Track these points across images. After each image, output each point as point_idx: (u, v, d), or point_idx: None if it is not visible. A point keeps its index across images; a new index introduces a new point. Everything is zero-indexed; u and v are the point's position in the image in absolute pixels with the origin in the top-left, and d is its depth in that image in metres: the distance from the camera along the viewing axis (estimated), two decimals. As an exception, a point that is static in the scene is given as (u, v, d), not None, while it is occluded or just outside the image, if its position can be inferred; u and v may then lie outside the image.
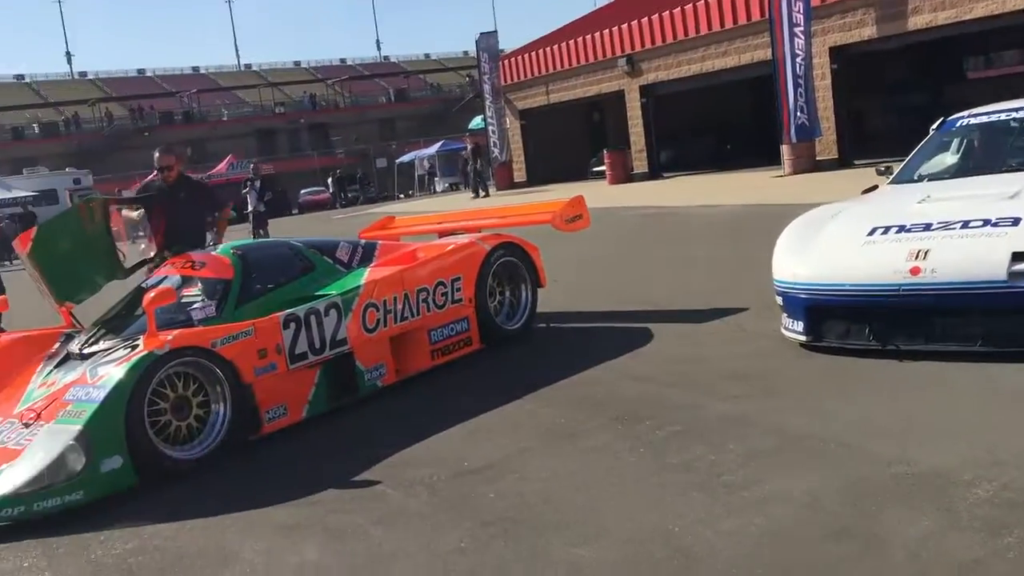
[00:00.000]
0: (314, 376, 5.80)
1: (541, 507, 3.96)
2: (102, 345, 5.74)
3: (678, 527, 3.56)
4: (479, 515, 3.96)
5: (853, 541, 3.28)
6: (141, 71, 75.45)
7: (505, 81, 29.88)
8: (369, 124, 68.18)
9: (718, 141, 28.48)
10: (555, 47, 27.61)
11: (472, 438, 5.04)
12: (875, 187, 6.96)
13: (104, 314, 6.35)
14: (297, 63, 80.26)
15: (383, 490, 4.44)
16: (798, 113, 18.82)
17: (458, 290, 6.76)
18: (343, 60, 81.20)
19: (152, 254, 6.79)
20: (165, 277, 6.31)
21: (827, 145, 19.55)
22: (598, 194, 18.75)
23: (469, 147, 30.06)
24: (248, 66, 79.15)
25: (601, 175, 27.68)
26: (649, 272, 9.89)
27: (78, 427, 4.78)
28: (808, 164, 19.07)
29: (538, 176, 29.53)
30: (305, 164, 58.31)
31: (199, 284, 6.15)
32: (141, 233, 6.96)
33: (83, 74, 73.53)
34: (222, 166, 47.05)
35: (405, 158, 49.71)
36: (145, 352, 5.02)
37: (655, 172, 25.06)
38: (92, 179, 45.28)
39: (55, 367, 5.80)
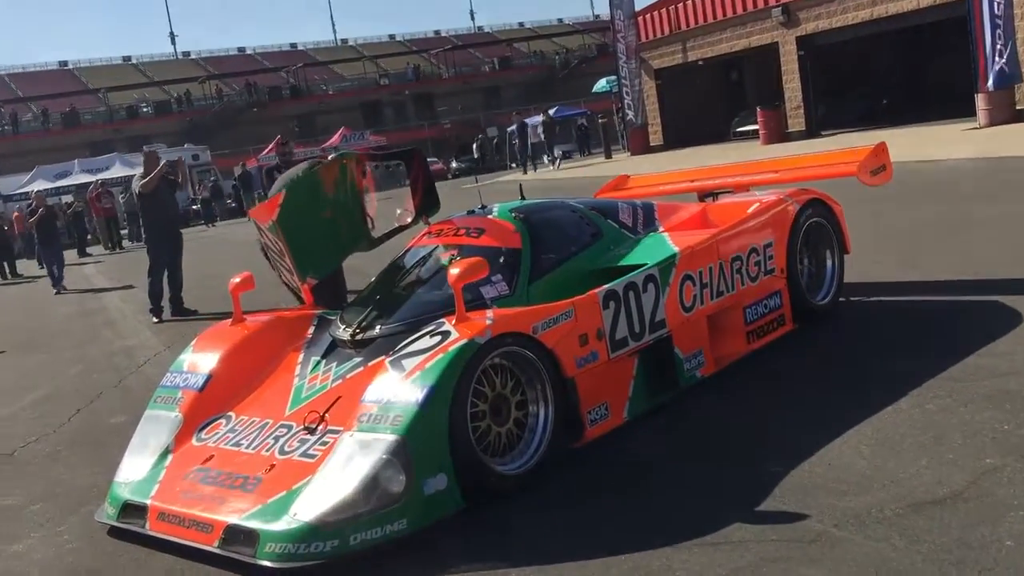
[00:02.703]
0: (632, 367, 4.69)
1: None
2: (380, 331, 4.73)
3: None
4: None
5: None
6: (241, 49, 75.77)
7: (640, 39, 28.33)
8: (474, 93, 67.29)
9: (872, 97, 26.44)
10: (697, 0, 25.94)
11: (887, 452, 3.85)
12: None
13: (362, 292, 5.35)
14: (392, 36, 79.52)
15: (822, 528, 3.28)
16: (996, 58, 16.93)
17: (770, 258, 5.55)
18: (437, 32, 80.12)
19: (409, 220, 5.75)
20: (435, 248, 5.27)
21: (1027, 93, 17.63)
22: (758, 155, 17.21)
23: (540, 119, 29.51)
24: (344, 41, 78.75)
25: (746, 135, 26.05)
26: (923, 235, 8.46)
27: (394, 437, 3.76)
28: (1007, 114, 17.18)
29: (675, 139, 27.98)
30: (411, 135, 57.67)
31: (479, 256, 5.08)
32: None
33: (186, 54, 74.22)
34: (335, 139, 46.71)
35: (532, 120, 48.37)
36: (465, 340, 3.96)
37: (813, 130, 23.27)
38: (210, 154, 45.43)
39: (322, 357, 4.82)
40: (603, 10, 42.31)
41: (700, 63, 26.87)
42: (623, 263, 5.13)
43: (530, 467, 4.13)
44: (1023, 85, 17.54)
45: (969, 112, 18.31)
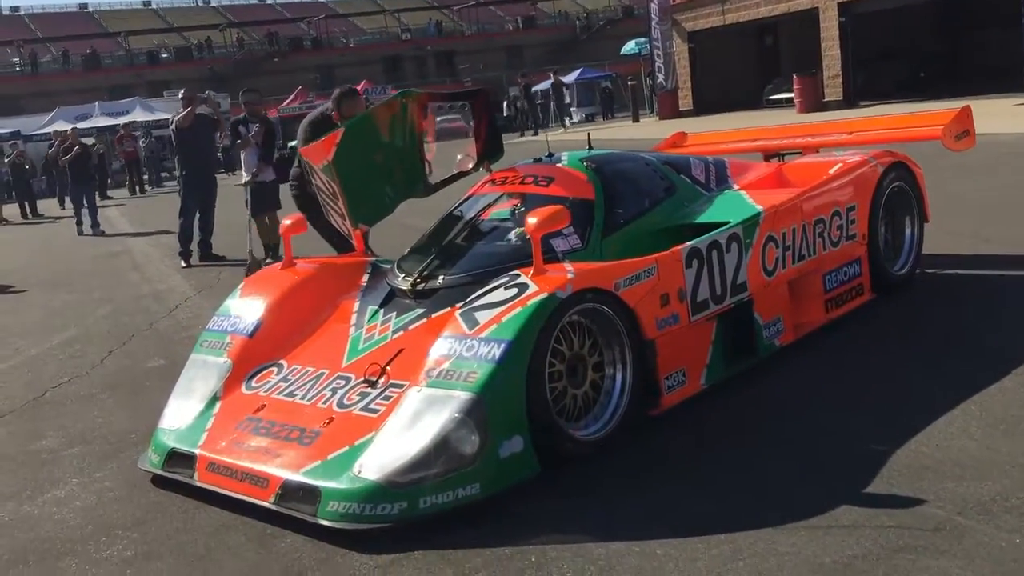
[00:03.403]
0: (711, 332, 4.39)
1: None
2: (443, 281, 4.44)
3: None
4: None
5: None
6: (263, -1, 74.93)
7: (674, 1, 27.70)
8: (496, 52, 66.42)
9: (909, 68, 25.76)
10: (736, -38, 25.26)
11: (1000, 434, 3.55)
12: None
13: (420, 240, 5.05)
14: (415, -10, 78.40)
15: (944, 516, 3.00)
16: (1050, 32, 16.34)
17: (852, 223, 5.23)
18: (460, -14, 78.83)
19: (470, 166, 5.42)
20: (499, 196, 4.95)
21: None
22: (795, 123, 16.70)
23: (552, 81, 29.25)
24: (367, -7, 77.87)
25: (779, 103, 25.43)
26: (992, 208, 8.09)
27: (468, 395, 3.49)
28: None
29: (705, 104, 27.41)
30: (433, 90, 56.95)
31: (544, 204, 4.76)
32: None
33: (207, 1, 73.39)
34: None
35: (540, 86, 47.69)
36: (545, 294, 3.67)
37: (851, 100, 22.70)
38: (231, 102, 45.02)
39: (379, 306, 4.54)
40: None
41: (734, 27, 26.23)
42: (699, 220, 4.82)
43: (607, 433, 3.87)
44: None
45: (1016, 88, 17.75)
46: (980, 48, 24.44)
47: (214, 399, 4.33)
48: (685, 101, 28.24)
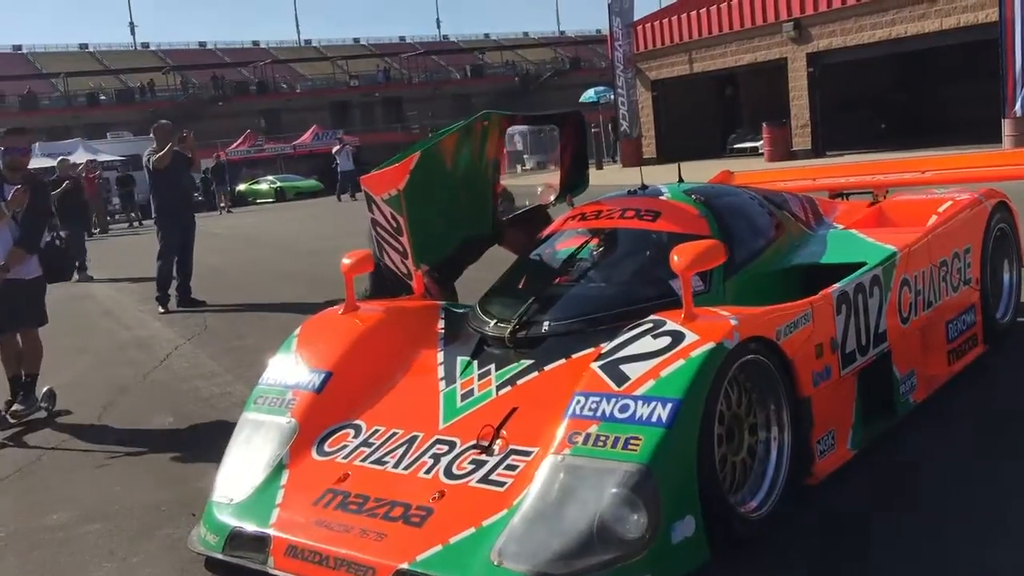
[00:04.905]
0: (854, 388, 3.85)
1: None
2: (550, 327, 3.83)
3: None
4: None
5: None
6: (203, 44, 73.99)
7: (638, 49, 27.67)
8: (444, 100, 66.37)
9: (871, 119, 26.04)
10: (701, 11, 25.29)
11: None
12: None
13: (504, 281, 4.44)
14: (356, 40, 78.23)
15: None
16: (1026, 83, 16.53)
17: (968, 266, 4.78)
18: (402, 38, 78.94)
19: (552, 198, 4.84)
20: (602, 231, 4.34)
21: (1053, 121, 17.26)
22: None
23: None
24: (308, 42, 77.43)
25: (743, 152, 25.49)
26: None
27: (633, 465, 2.88)
28: (1034, 140, 16.78)
29: (669, 152, 27.27)
30: (380, 138, 56.54)
31: (655, 241, 4.21)
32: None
33: (145, 45, 72.30)
34: (307, 136, 45.56)
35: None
36: (713, 343, 3.09)
37: (819, 150, 22.74)
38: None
39: (472, 358, 3.90)
40: (569, 26, 41.67)
41: (699, 76, 26.27)
42: (824, 261, 4.30)
43: (770, 508, 3.28)
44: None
45: (988, 138, 17.89)
46: (940, 101, 24.79)
47: (280, 467, 3.63)
48: (648, 148, 28.13)
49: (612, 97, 29.61)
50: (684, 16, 26.01)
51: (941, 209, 4.84)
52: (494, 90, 67.21)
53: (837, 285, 3.78)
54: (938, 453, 3.84)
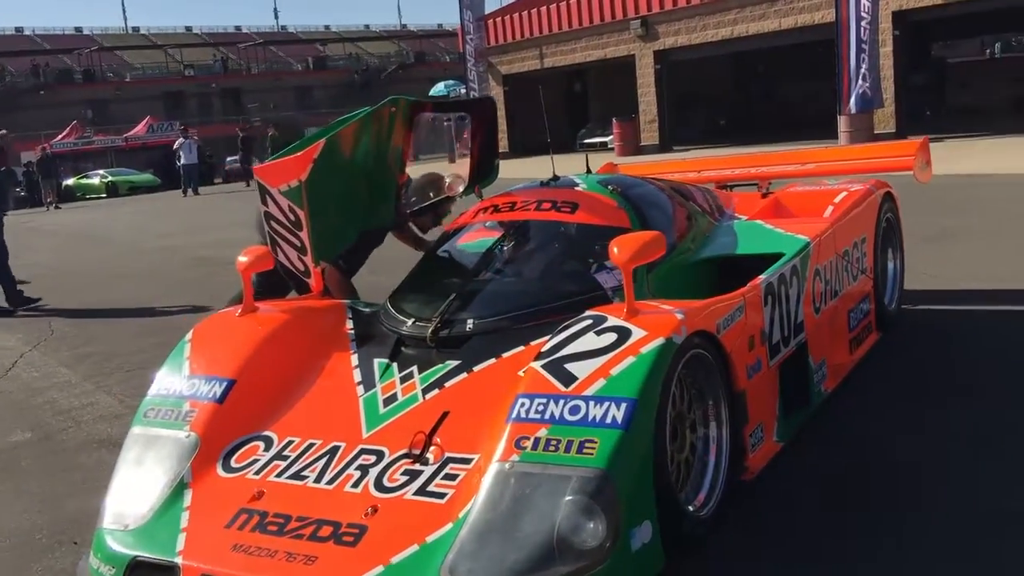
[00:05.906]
0: (776, 380, 3.83)
1: None
2: (474, 325, 3.61)
3: None
4: None
5: None
6: (19, 29, 69.32)
7: (489, 43, 27.65)
8: (285, 91, 64.70)
9: (708, 116, 27.00)
10: (552, 6, 25.52)
11: None
12: None
13: (414, 278, 4.19)
14: (189, 28, 75.20)
15: None
16: (860, 81, 17.42)
17: (864, 255, 4.88)
18: (238, 27, 76.31)
19: (460, 189, 4.60)
20: (519, 224, 4.15)
21: (884, 118, 18.28)
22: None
23: (240, 135, 26.67)
24: (136, 29, 73.87)
25: (592, 147, 25.88)
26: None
27: (590, 471, 2.72)
28: (866, 137, 17.71)
29: (520, 146, 27.45)
30: (221, 131, 54.47)
31: (576, 234, 4.06)
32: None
33: (-50, 29, 67.15)
34: (140, 128, 43.13)
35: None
36: (662, 339, 2.97)
37: (667, 145, 23.35)
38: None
39: (390, 360, 3.64)
40: (410, 19, 41.48)
41: (549, 71, 26.51)
42: (739, 252, 4.28)
43: (715, 507, 3.19)
44: (881, 109, 18.19)
45: (825, 135, 18.81)
46: (778, 99, 25.95)
47: (181, 486, 3.27)
48: (502, 142, 28.16)
49: (462, 91, 29.49)
50: (535, 11, 26.19)
51: (837, 200, 4.92)
52: (338, 83, 65.94)
53: (763, 276, 3.74)
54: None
